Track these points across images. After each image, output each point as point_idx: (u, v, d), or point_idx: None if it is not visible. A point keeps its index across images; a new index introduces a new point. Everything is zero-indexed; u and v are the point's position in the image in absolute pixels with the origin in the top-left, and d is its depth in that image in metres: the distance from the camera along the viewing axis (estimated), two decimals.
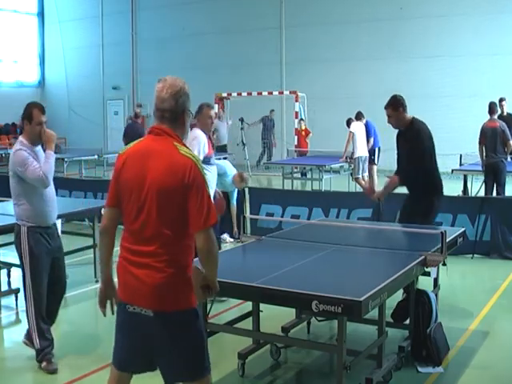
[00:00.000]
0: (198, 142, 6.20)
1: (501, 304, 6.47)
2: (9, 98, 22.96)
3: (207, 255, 3.00)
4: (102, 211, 7.35)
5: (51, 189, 4.90)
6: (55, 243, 4.99)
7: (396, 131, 6.40)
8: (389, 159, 14.80)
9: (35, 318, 4.82)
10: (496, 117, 10.77)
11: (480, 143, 10.63)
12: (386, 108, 6.15)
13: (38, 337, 4.82)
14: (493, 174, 10.52)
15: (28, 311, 4.85)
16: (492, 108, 10.77)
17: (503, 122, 10.81)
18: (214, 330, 4.50)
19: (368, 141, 13.33)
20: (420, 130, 6.03)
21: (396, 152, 6.28)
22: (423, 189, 5.95)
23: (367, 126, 13.42)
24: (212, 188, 6.17)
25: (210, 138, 6.60)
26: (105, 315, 3.30)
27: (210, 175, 6.16)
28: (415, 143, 5.96)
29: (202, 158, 6.23)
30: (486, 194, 10.38)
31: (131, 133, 13.58)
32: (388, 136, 13.25)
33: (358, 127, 13.13)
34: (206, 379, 3.22)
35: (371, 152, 13.39)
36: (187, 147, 3.06)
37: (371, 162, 13.40)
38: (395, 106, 6.11)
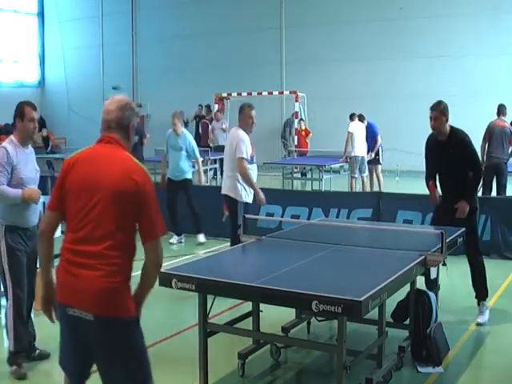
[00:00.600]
0: (243, 143, 6.57)
1: (501, 304, 6.47)
2: (9, 98, 22.86)
3: (154, 269, 3.04)
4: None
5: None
6: (32, 244, 4.85)
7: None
8: (388, 159, 14.90)
9: (13, 320, 4.72)
10: (505, 118, 10.75)
11: (484, 139, 10.58)
12: (433, 109, 5.93)
13: (13, 339, 4.72)
14: (494, 174, 10.50)
15: (7, 311, 4.75)
16: (501, 110, 10.76)
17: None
18: (214, 329, 4.50)
19: (375, 141, 13.28)
20: (465, 136, 6.01)
21: (428, 160, 6.20)
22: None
23: (371, 128, 13.37)
24: (253, 186, 6.71)
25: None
26: (53, 321, 3.27)
27: (252, 173, 6.74)
28: (468, 149, 5.96)
29: (248, 157, 6.60)
30: (483, 192, 10.35)
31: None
32: (388, 136, 13.36)
33: (356, 127, 13.13)
34: None
35: (376, 152, 13.35)
36: (123, 139, 3.16)
37: (376, 162, 13.37)
38: (444, 111, 5.93)
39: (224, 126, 17.25)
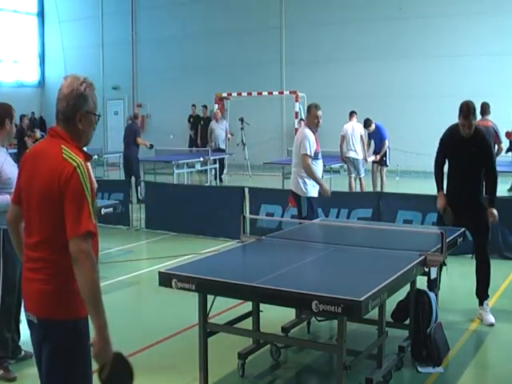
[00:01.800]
0: (307, 141, 7.07)
1: (501, 304, 6.47)
2: (9, 98, 22.84)
3: (76, 267, 2.73)
4: (102, 211, 7.35)
5: None
6: None
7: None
8: (394, 160, 14.88)
9: (0, 325, 4.69)
10: (488, 117, 10.68)
11: None
12: (466, 118, 5.88)
13: None
14: None
15: None
16: (484, 108, 10.64)
17: (495, 123, 10.73)
18: (214, 330, 4.50)
19: (382, 145, 13.23)
20: (485, 134, 6.14)
21: (442, 154, 6.21)
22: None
23: (379, 131, 13.28)
24: (317, 180, 7.18)
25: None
26: None
27: (317, 168, 7.23)
28: (489, 149, 6.08)
29: (312, 153, 7.11)
30: None
31: (129, 133, 13.64)
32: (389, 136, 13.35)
33: (350, 128, 13.09)
34: None
35: (384, 154, 13.29)
36: (79, 149, 2.91)
37: (383, 163, 13.33)
38: (469, 112, 5.93)
39: (225, 128, 17.14)
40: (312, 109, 7.24)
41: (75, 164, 2.78)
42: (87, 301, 2.71)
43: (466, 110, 5.90)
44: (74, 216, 2.75)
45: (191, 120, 20.34)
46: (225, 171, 17.55)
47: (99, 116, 3.12)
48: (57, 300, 2.82)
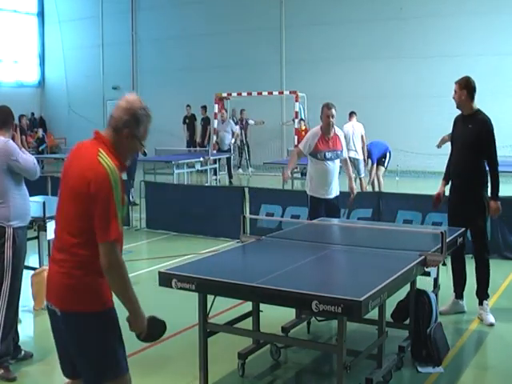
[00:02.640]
0: (306, 137, 7.17)
1: (501, 304, 6.47)
2: (9, 98, 22.87)
3: (106, 271, 2.89)
4: None
5: (25, 189, 4.90)
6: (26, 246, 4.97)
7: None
8: (394, 160, 14.85)
9: (4, 324, 4.70)
10: None
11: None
12: (456, 82, 6.09)
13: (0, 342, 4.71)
14: None
15: None
16: None
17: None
18: (214, 330, 4.50)
19: (384, 156, 13.20)
20: (488, 120, 6.08)
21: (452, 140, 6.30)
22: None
23: (379, 147, 13.24)
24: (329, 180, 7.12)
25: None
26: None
27: (319, 167, 7.09)
28: (488, 134, 6.05)
29: (304, 149, 7.08)
30: None
31: None
32: (388, 136, 13.35)
33: (350, 129, 13.07)
34: (118, 381, 3.08)
35: (383, 155, 13.26)
36: (116, 157, 2.98)
37: (381, 164, 13.30)
38: (461, 84, 6.04)
39: (231, 129, 17.02)
40: (323, 108, 7.10)
41: (109, 169, 2.88)
42: (119, 298, 2.95)
43: (462, 80, 6.08)
44: (103, 222, 2.87)
45: (186, 121, 20.24)
46: (224, 171, 17.52)
47: (144, 149, 3.19)
48: (81, 294, 2.95)
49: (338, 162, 7.24)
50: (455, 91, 6.04)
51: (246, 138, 19.63)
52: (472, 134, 5.96)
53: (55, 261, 3.03)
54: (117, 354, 3.05)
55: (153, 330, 3.18)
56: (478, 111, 6.06)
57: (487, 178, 6.10)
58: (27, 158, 4.71)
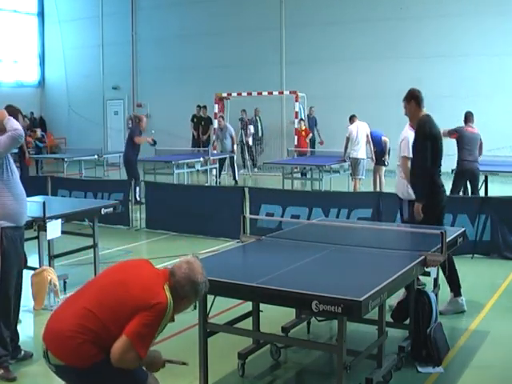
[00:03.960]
0: (406, 143, 6.59)
1: (501, 304, 6.47)
2: (9, 98, 22.82)
3: (111, 356, 3.05)
4: (102, 211, 7.36)
5: (22, 189, 4.84)
6: (22, 248, 4.92)
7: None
8: (394, 160, 14.79)
9: None
10: (473, 125, 10.86)
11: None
12: (402, 101, 6.28)
13: None
14: (469, 178, 10.59)
15: None
16: (468, 117, 10.85)
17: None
18: (214, 329, 4.50)
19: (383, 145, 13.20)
20: (419, 127, 6.13)
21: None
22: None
23: (376, 137, 13.27)
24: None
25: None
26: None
27: None
28: (419, 133, 6.14)
29: (411, 156, 6.50)
30: (464, 189, 10.77)
31: (128, 135, 13.54)
32: (388, 136, 13.33)
33: (354, 129, 13.08)
34: None
35: (382, 154, 13.25)
36: (173, 292, 3.19)
37: (382, 163, 13.29)
38: (408, 97, 6.21)
39: (230, 135, 16.95)
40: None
41: (169, 302, 3.13)
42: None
43: (407, 94, 6.20)
44: (143, 333, 3.07)
45: (194, 120, 20.29)
46: (224, 172, 17.52)
47: (194, 309, 3.59)
48: (85, 355, 3.06)
49: None
50: (404, 107, 6.23)
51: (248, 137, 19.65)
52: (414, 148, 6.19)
53: (69, 317, 3.12)
54: (131, 377, 3.19)
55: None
56: (422, 117, 6.18)
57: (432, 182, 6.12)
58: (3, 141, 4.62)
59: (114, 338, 3.05)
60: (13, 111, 4.89)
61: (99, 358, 3.07)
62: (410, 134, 6.60)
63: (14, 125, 4.65)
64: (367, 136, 13.11)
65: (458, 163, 10.61)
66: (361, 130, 13.08)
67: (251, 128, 19.31)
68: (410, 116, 6.28)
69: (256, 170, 19.31)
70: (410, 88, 6.30)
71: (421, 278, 5.59)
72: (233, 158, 16.72)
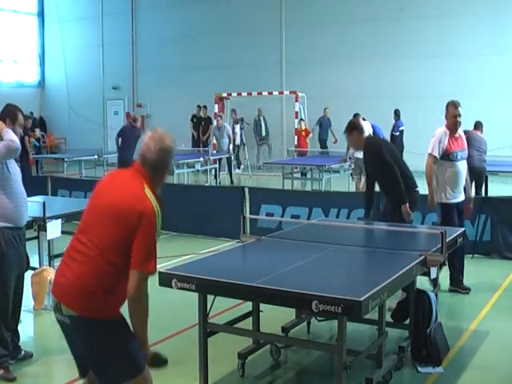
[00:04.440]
0: (435, 141, 6.54)
1: (501, 304, 6.47)
2: (9, 98, 22.77)
3: (132, 299, 3.08)
4: None
5: (22, 189, 4.82)
6: (23, 248, 4.91)
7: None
8: None
9: None
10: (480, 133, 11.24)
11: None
12: (344, 133, 6.45)
13: None
14: (476, 177, 10.63)
15: None
16: (477, 126, 11.38)
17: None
18: (214, 329, 4.50)
19: None
20: (372, 149, 6.33)
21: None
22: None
23: (374, 129, 13.28)
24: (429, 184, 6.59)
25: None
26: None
27: (452, 170, 6.55)
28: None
29: (437, 153, 6.50)
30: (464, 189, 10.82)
31: (130, 136, 13.50)
32: (388, 136, 13.35)
33: None
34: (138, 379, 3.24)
35: None
36: (157, 196, 3.17)
37: None
38: (348, 128, 6.35)
39: (227, 134, 16.93)
40: (448, 107, 6.66)
41: (156, 207, 3.10)
42: (134, 325, 3.15)
43: (347, 126, 6.39)
44: (145, 252, 3.05)
45: (194, 120, 20.29)
46: (224, 172, 17.52)
47: (172, 174, 3.40)
48: (99, 302, 3.09)
49: (465, 162, 6.76)
50: (348, 140, 6.41)
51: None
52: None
53: (75, 268, 3.12)
54: (135, 352, 3.19)
55: (154, 363, 3.37)
56: (366, 141, 6.39)
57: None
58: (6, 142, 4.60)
59: (120, 270, 3.07)
60: (12, 109, 4.88)
61: (110, 311, 3.13)
62: (442, 134, 6.55)
63: (11, 137, 4.65)
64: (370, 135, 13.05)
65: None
66: (365, 130, 13.01)
67: (236, 128, 19.28)
68: (355, 146, 6.46)
69: (239, 170, 19.28)
70: (348, 122, 6.49)
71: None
72: (230, 157, 16.73)
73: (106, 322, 3.12)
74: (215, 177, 16.63)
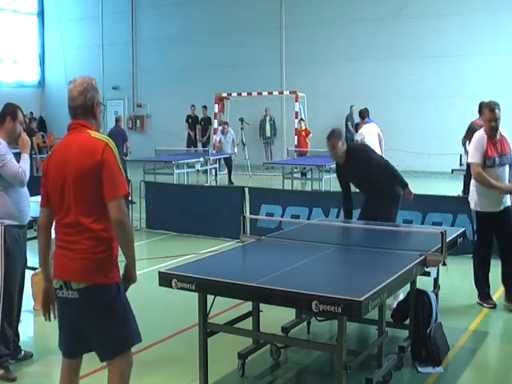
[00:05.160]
0: (473, 146, 6.21)
1: (500, 304, 6.46)
2: (9, 98, 22.65)
3: (118, 226, 3.17)
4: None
5: (25, 188, 4.84)
6: (25, 246, 4.93)
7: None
8: (388, 159, 14.78)
9: (1, 323, 4.67)
10: None
11: (466, 137, 10.59)
12: (329, 143, 6.30)
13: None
14: None
15: None
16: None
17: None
18: (214, 329, 4.50)
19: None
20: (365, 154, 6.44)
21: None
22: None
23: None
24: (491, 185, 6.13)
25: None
26: (49, 320, 3.54)
27: (491, 176, 6.12)
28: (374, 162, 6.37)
29: (478, 160, 6.12)
30: (464, 188, 10.70)
31: (116, 136, 13.52)
32: (388, 136, 13.35)
33: (365, 130, 12.94)
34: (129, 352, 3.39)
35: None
36: (100, 133, 3.34)
37: None
38: (333, 137, 6.28)
39: (231, 138, 16.88)
40: (483, 109, 6.35)
41: (106, 140, 3.25)
42: (124, 250, 3.25)
43: (331, 135, 6.32)
44: (112, 182, 3.17)
45: (189, 120, 20.28)
46: (224, 171, 17.51)
47: (104, 106, 3.65)
48: (103, 266, 3.22)
49: (507, 167, 6.28)
50: (333, 149, 6.28)
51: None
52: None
53: (66, 241, 3.23)
54: (133, 321, 3.36)
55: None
56: (351, 147, 6.45)
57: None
58: (13, 166, 4.60)
59: (109, 230, 3.21)
60: (12, 107, 4.88)
61: (115, 273, 3.25)
62: (478, 139, 6.19)
63: (26, 168, 4.71)
64: (378, 134, 12.96)
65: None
66: (373, 131, 12.89)
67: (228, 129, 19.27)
68: (340, 156, 6.35)
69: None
70: (330, 131, 6.38)
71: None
72: (230, 158, 16.73)
73: (113, 285, 3.24)
74: (215, 177, 16.64)
